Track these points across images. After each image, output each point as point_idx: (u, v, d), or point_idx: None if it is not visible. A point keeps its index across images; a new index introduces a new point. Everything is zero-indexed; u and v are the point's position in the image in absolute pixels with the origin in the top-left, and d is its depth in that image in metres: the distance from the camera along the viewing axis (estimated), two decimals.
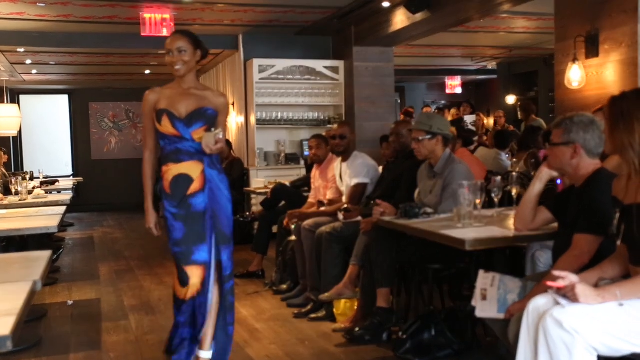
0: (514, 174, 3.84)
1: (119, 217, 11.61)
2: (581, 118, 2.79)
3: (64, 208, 5.42)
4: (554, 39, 4.85)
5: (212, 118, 3.19)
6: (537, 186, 2.99)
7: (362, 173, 4.84)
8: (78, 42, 8.43)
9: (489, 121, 10.30)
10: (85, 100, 13.62)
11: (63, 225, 9.21)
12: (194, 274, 3.15)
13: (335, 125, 5.31)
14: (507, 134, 6.72)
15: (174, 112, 3.16)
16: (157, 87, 3.28)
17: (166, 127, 3.16)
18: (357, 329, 3.95)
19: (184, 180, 3.16)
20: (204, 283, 3.17)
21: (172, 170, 3.17)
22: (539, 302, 2.31)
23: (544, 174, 2.97)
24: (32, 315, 4.72)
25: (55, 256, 7.02)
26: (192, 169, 3.17)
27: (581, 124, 2.76)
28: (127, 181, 13.30)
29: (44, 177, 9.68)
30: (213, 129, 3.09)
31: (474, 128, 8.82)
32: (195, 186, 3.17)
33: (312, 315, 4.48)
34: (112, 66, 10.93)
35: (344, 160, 5.00)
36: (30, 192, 6.54)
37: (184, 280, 3.16)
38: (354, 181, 4.84)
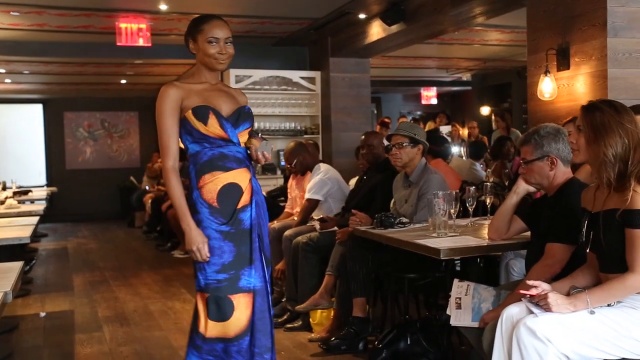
0: (488, 184, 3.89)
1: (93, 227, 11.44)
2: (547, 129, 2.82)
3: (37, 218, 5.37)
4: (526, 52, 4.94)
5: (253, 119, 2.76)
6: (513, 199, 3.01)
7: (313, 189, 4.96)
8: (53, 51, 8.34)
9: (464, 132, 10.42)
10: (59, 110, 13.46)
11: (36, 236, 9.08)
12: (241, 304, 2.58)
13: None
14: (481, 145, 6.81)
15: (219, 110, 2.64)
16: (175, 81, 2.73)
17: (214, 127, 2.60)
18: (333, 338, 3.96)
19: (234, 190, 2.63)
20: (254, 314, 2.60)
21: (221, 179, 2.61)
22: (512, 311, 2.34)
23: (521, 189, 2.98)
24: (3, 328, 4.65)
25: (28, 267, 6.91)
26: (242, 178, 2.65)
27: (550, 135, 2.80)
28: (102, 191, 13.16)
29: (17, 187, 9.53)
30: (259, 134, 2.71)
31: (449, 138, 8.90)
32: (245, 198, 2.64)
33: (289, 325, 4.48)
34: (87, 76, 10.82)
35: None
36: (2, 203, 6.45)
37: (225, 313, 2.57)
38: (306, 196, 4.99)
